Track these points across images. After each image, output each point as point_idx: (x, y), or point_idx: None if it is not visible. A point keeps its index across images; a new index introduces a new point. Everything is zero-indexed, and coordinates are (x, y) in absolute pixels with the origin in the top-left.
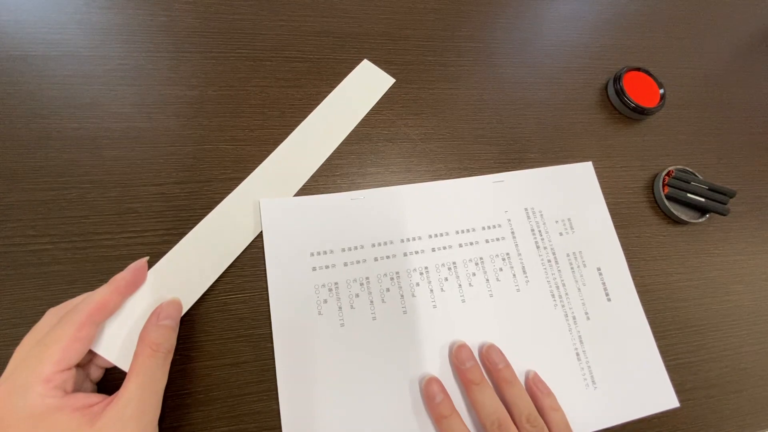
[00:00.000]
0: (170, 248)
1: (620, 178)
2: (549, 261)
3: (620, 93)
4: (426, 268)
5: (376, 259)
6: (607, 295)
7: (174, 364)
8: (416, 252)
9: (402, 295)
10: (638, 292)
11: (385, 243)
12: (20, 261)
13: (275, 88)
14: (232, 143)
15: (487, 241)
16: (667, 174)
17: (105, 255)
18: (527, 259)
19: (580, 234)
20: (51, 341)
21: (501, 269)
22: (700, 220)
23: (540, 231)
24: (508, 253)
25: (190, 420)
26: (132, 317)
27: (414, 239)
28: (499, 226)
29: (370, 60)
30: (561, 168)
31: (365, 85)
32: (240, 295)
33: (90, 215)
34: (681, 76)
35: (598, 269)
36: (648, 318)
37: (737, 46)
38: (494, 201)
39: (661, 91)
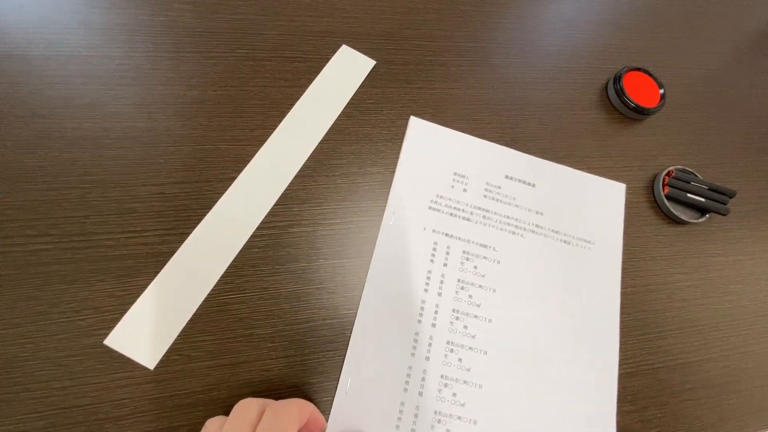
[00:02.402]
0: (170, 248)
1: (620, 178)
2: (484, 217)
3: (620, 93)
4: (449, 342)
5: (420, 394)
6: (530, 184)
7: (174, 363)
8: (429, 344)
9: (465, 381)
10: (639, 292)
11: (408, 374)
12: (20, 261)
13: (275, 88)
14: (232, 143)
15: (445, 265)
16: (667, 174)
17: (105, 255)
18: (474, 235)
19: (467, 170)
20: None
21: (476, 267)
22: (700, 220)
23: (455, 207)
24: (464, 251)
25: (190, 420)
26: (144, 315)
27: (417, 340)
28: (435, 243)
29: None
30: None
31: (346, 70)
32: (240, 295)
33: (90, 215)
34: (681, 76)
35: (506, 176)
36: (648, 318)
37: (737, 46)
38: (411, 233)
39: (661, 91)
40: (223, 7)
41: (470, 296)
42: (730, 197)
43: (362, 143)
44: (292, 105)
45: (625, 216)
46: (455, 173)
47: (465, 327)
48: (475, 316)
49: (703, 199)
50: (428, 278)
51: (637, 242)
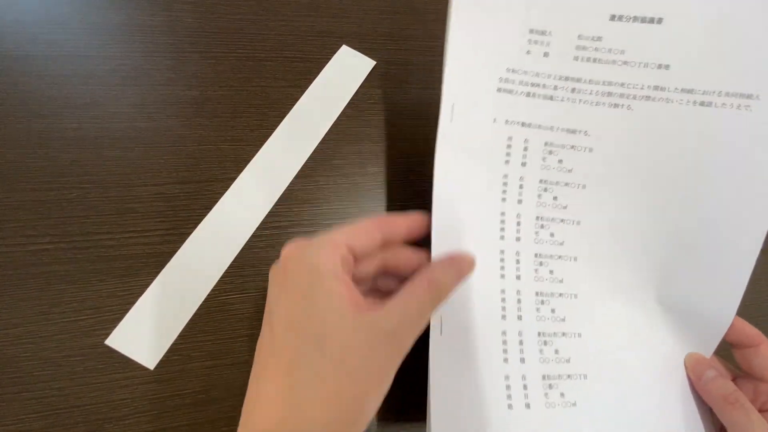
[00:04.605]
0: (170, 248)
1: None
2: (572, 91)
3: None
4: (537, 254)
5: (518, 317)
6: (654, 20)
7: (174, 364)
8: (517, 261)
9: (560, 294)
10: None
11: (503, 298)
12: (20, 261)
13: (275, 88)
14: (232, 143)
15: (523, 164)
16: None
17: (105, 255)
18: (559, 119)
19: (549, 21)
20: (344, 226)
21: (560, 161)
22: None
23: (532, 83)
24: (546, 143)
25: (190, 420)
26: (144, 315)
27: (503, 258)
28: (510, 138)
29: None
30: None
31: (346, 70)
32: (240, 295)
33: (90, 215)
34: None
35: (612, 16)
36: None
37: None
38: (479, 131)
39: None
40: (223, 7)
41: (555, 198)
42: None
43: (362, 143)
44: (292, 105)
45: None
46: (531, 30)
47: (551, 235)
48: (562, 221)
49: None
50: (505, 184)
51: None
